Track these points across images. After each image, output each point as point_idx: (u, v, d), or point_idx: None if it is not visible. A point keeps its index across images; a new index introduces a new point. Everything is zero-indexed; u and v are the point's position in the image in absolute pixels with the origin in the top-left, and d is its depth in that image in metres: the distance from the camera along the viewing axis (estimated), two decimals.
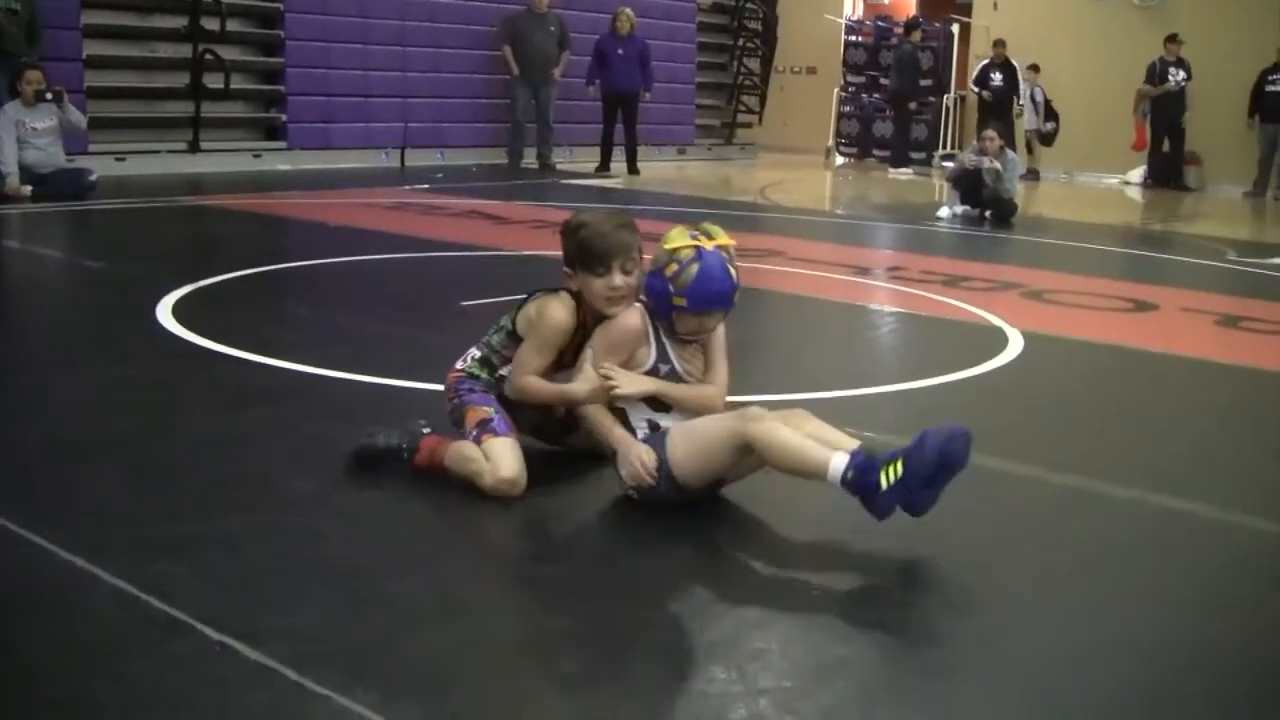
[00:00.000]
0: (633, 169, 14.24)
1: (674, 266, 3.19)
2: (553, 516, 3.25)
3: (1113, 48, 16.84)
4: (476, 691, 2.29)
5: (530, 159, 14.18)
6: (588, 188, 12.54)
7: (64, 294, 6.44)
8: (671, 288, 3.19)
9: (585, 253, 3.29)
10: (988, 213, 10.91)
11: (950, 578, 2.96)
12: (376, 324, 5.50)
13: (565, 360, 3.40)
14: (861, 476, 2.93)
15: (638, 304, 3.32)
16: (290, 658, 2.32)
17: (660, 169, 15.20)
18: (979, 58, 17.54)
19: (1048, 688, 2.41)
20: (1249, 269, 8.91)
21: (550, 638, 2.54)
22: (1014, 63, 16.71)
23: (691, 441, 3.17)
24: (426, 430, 3.46)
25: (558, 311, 3.34)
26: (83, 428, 3.80)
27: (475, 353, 3.51)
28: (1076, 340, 5.92)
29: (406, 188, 11.52)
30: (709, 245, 3.22)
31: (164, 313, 5.36)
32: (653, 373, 3.28)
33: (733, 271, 3.25)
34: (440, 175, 12.67)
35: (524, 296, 3.49)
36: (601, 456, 3.46)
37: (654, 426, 3.27)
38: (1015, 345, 5.55)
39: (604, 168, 14.22)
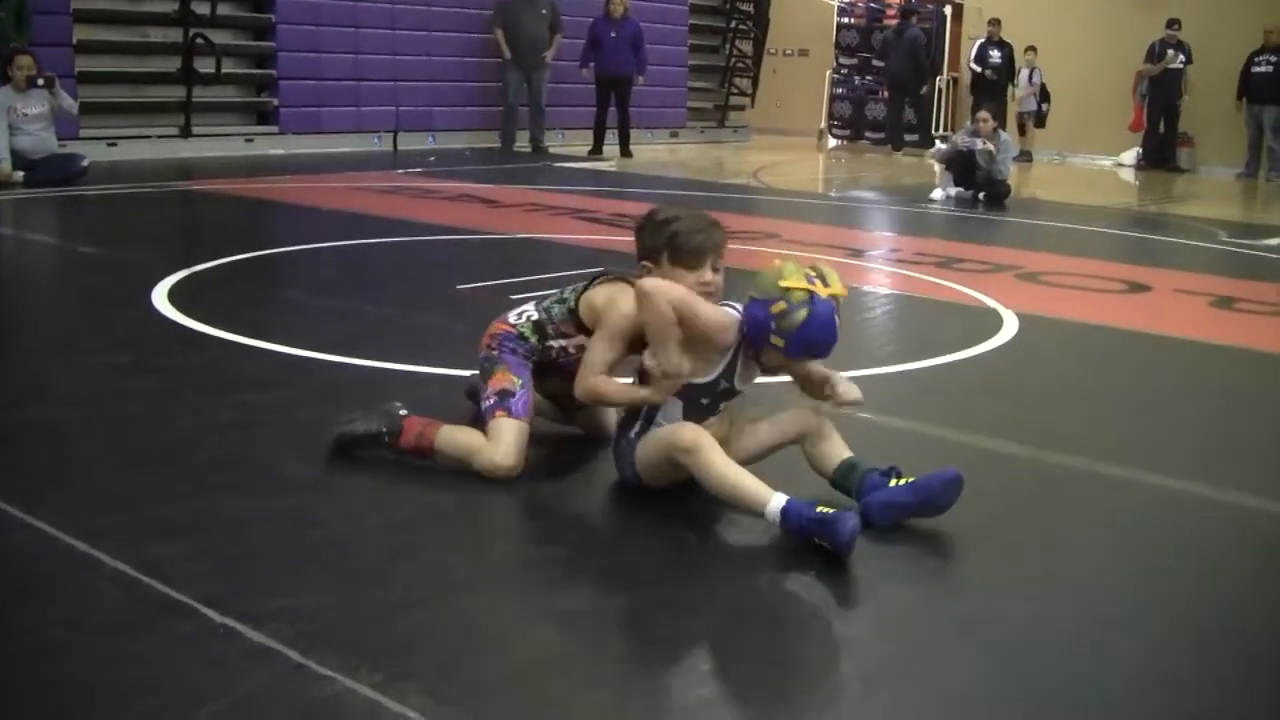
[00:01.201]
0: (625, 152, 14.23)
1: (783, 305, 3.04)
2: (552, 499, 3.26)
3: (1105, 28, 16.85)
4: (477, 672, 2.29)
5: (523, 142, 14.18)
6: (580, 170, 12.53)
7: (57, 279, 6.43)
8: (774, 325, 3.07)
9: (679, 249, 3.24)
10: (981, 195, 10.92)
11: (947, 558, 2.97)
12: (371, 307, 5.50)
13: (634, 347, 3.28)
14: (798, 535, 2.89)
15: (734, 312, 3.18)
16: (293, 639, 2.33)
17: (653, 152, 15.18)
18: (972, 39, 17.55)
19: (1045, 666, 2.42)
20: (1242, 250, 8.93)
21: (550, 619, 2.55)
22: (1008, 41, 16.72)
23: (645, 450, 3.17)
24: (404, 413, 3.40)
25: (627, 304, 3.21)
26: (79, 412, 3.79)
27: (533, 314, 3.42)
28: (1071, 321, 5.93)
29: (399, 171, 11.50)
30: (824, 293, 3.06)
31: (159, 297, 5.35)
32: (713, 384, 3.18)
33: (838, 322, 3.09)
34: (433, 159, 12.65)
35: (591, 276, 3.40)
36: (601, 440, 3.45)
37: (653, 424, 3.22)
38: (1010, 327, 5.56)
39: (596, 151, 14.22)
